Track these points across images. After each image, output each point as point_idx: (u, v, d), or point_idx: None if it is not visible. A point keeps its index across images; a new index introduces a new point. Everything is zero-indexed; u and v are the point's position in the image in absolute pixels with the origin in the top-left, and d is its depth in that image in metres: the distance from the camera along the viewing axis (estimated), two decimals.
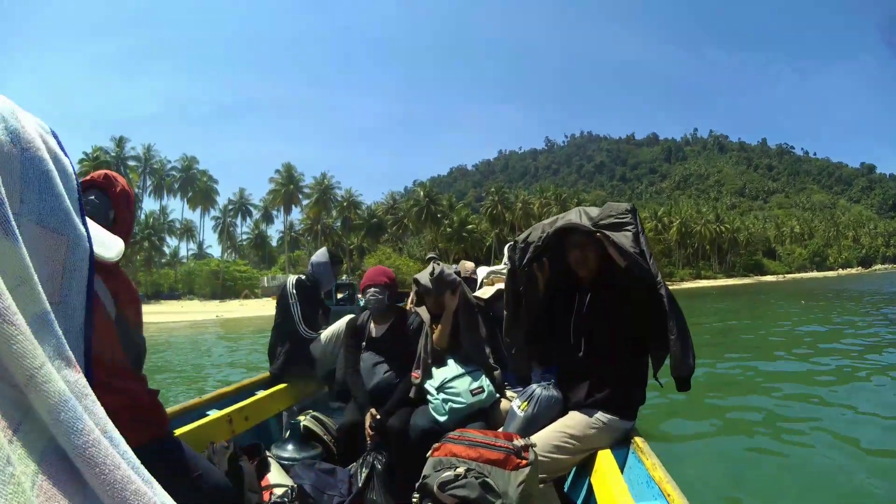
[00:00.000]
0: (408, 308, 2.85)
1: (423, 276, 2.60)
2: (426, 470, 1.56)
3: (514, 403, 1.99)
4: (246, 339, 16.88)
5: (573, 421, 1.86)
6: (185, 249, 67.20)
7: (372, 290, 2.59)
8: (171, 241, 62.54)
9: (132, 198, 1.60)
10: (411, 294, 2.94)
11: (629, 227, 1.79)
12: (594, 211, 1.94)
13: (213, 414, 2.34)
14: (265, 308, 32.38)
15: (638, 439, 1.78)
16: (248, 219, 69.75)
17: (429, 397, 2.32)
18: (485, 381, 2.36)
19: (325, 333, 3.04)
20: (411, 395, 2.39)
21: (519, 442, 1.57)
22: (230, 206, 67.39)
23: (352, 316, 2.82)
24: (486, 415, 2.33)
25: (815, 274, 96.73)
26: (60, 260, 0.48)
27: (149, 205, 61.07)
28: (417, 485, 1.52)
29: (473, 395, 2.29)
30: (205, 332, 21.83)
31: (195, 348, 15.28)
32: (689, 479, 3.41)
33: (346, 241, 62.93)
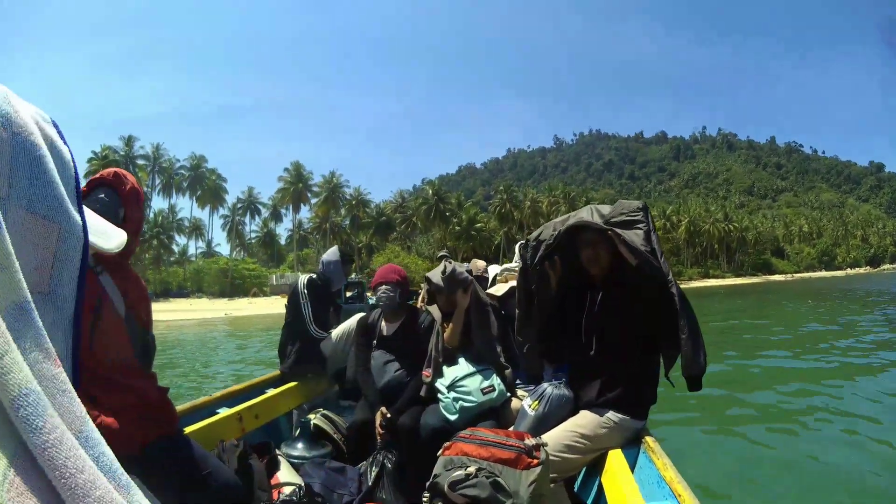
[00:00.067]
0: (419, 306, 2.85)
1: (435, 275, 2.59)
2: (437, 469, 1.56)
3: (525, 402, 1.98)
4: (255, 337, 16.99)
5: (584, 420, 1.85)
6: (194, 248, 67.82)
7: (384, 287, 2.59)
8: (180, 240, 63.27)
9: (142, 196, 1.60)
10: (422, 292, 2.94)
11: (640, 225, 1.78)
12: (606, 209, 1.93)
13: (223, 412, 2.34)
14: (274, 306, 32.54)
15: (649, 439, 1.77)
16: (256, 217, 70.29)
17: (439, 396, 2.31)
18: (496, 380, 2.35)
19: (336, 332, 3.04)
20: (422, 393, 2.39)
21: (530, 441, 1.56)
22: (239, 205, 67.87)
23: (363, 314, 2.82)
24: (496, 413, 2.32)
25: (823, 273, 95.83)
26: (51, 248, 0.46)
27: (158, 203, 61.79)
28: (428, 484, 1.52)
29: (484, 393, 2.28)
30: (214, 329, 21.96)
31: (204, 346, 15.40)
32: (691, 477, 3.39)
33: (355, 239, 63.00)
